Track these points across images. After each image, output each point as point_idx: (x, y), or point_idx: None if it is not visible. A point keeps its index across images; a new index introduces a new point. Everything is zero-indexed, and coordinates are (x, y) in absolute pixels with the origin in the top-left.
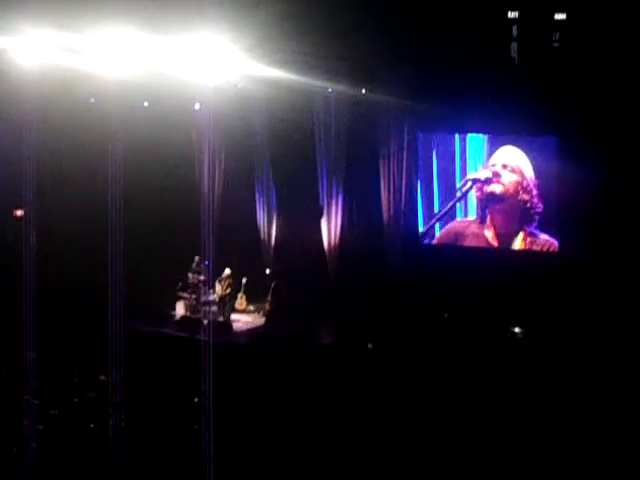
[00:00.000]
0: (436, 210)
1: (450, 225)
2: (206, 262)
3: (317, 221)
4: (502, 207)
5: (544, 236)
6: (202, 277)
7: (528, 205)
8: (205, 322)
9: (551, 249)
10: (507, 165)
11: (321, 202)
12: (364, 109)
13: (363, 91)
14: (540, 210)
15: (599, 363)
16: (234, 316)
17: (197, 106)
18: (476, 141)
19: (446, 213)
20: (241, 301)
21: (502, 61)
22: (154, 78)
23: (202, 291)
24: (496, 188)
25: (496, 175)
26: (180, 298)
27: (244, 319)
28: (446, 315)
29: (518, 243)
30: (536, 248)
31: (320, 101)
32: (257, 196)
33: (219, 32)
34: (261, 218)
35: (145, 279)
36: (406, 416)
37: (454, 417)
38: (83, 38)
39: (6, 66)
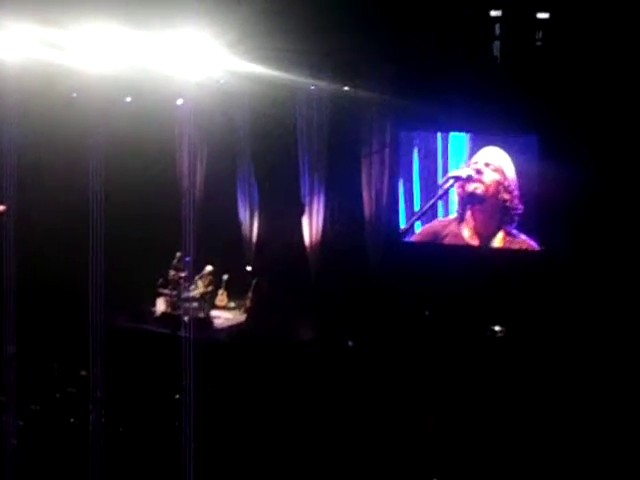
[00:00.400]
0: (417, 208)
1: (429, 225)
2: (187, 258)
3: (299, 218)
4: (482, 207)
5: (523, 236)
6: (183, 273)
7: (508, 205)
8: (186, 319)
9: (529, 249)
10: (490, 164)
11: (303, 199)
12: (346, 106)
13: (346, 88)
14: (520, 211)
15: (580, 361)
16: (215, 313)
17: (179, 102)
18: (458, 140)
19: (427, 211)
20: (222, 297)
21: (485, 60)
22: (136, 73)
23: (183, 287)
24: (477, 187)
25: (478, 172)
26: (161, 294)
27: (225, 316)
28: (427, 313)
29: (497, 241)
30: (515, 247)
31: (302, 98)
32: (239, 192)
33: (201, 28)
34: (243, 214)
35: (125, 275)
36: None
37: (436, 416)
38: (65, 33)
39: None
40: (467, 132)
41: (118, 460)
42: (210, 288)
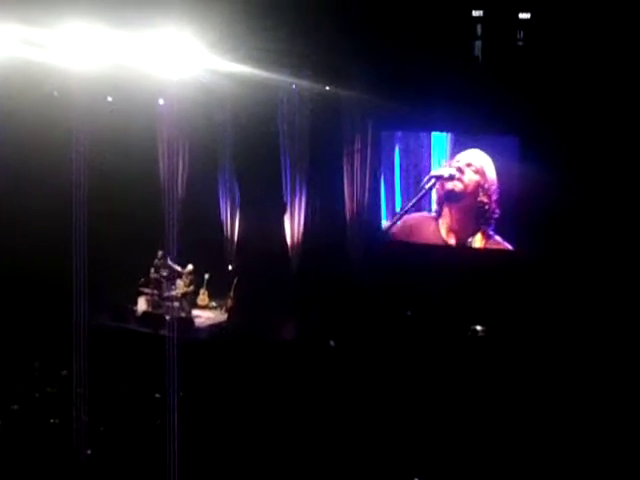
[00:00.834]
0: (398, 207)
1: (405, 218)
2: (169, 258)
3: (280, 217)
4: (459, 205)
5: (498, 237)
6: (164, 273)
7: (486, 208)
8: (167, 318)
9: (505, 250)
10: (471, 164)
11: (284, 198)
12: (328, 106)
13: (327, 88)
14: (497, 216)
15: (562, 362)
16: (196, 312)
17: (161, 101)
18: (440, 139)
19: (409, 210)
20: (203, 297)
21: (466, 60)
22: (118, 73)
23: (164, 287)
24: (456, 185)
25: (459, 171)
26: (142, 294)
27: (206, 315)
28: (409, 313)
29: (477, 242)
30: (492, 247)
31: (284, 97)
32: (220, 191)
33: (182, 27)
34: (224, 214)
35: (107, 274)
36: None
37: (417, 414)
38: (47, 32)
39: None
40: (448, 132)
41: (98, 459)
42: (191, 287)
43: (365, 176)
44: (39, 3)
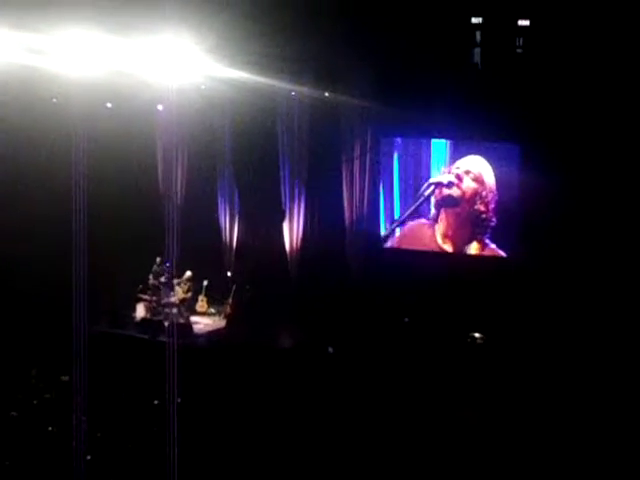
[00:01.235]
0: (397, 214)
1: (402, 227)
2: (167, 264)
3: (279, 224)
4: (455, 210)
5: (493, 245)
6: (163, 279)
7: (483, 216)
8: (166, 324)
9: (500, 257)
10: (470, 171)
11: (283, 205)
12: (327, 112)
13: (326, 94)
14: (493, 224)
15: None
16: (195, 318)
17: (160, 107)
18: (439, 146)
19: (408, 217)
20: (202, 303)
21: (465, 66)
22: (117, 79)
23: (163, 293)
24: (453, 191)
25: (458, 178)
26: (140, 300)
27: (205, 321)
28: (407, 319)
29: (473, 249)
30: (487, 254)
31: (283, 103)
32: (219, 198)
33: (181, 33)
34: (223, 220)
35: (105, 280)
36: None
37: (416, 421)
38: (46, 38)
39: None
40: (448, 139)
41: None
42: (190, 294)
43: (364, 183)
44: (38, 9)
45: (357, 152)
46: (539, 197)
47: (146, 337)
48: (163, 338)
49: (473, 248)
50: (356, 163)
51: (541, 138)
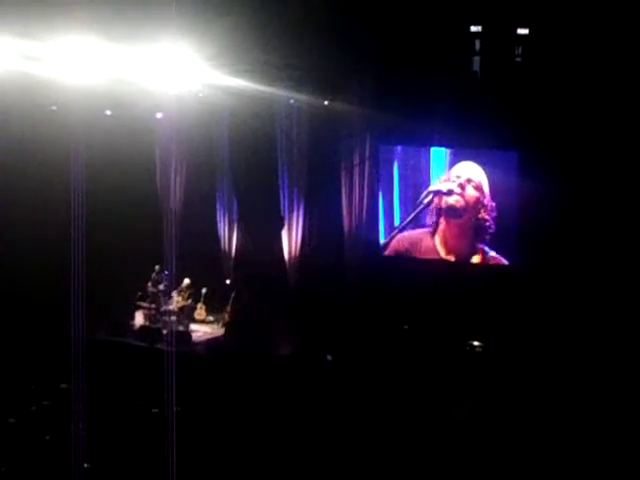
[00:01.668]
0: (396, 222)
1: (401, 236)
2: (166, 272)
3: (278, 232)
4: (458, 221)
5: (493, 253)
6: (162, 287)
7: (486, 224)
8: (164, 332)
9: (502, 265)
10: (472, 180)
11: (282, 212)
12: (326, 120)
13: (325, 102)
14: (492, 231)
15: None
16: (193, 326)
17: (159, 115)
18: (438, 154)
19: (408, 225)
20: (200, 311)
21: (465, 75)
22: (116, 87)
23: (162, 301)
24: (458, 201)
25: (460, 187)
26: (139, 308)
27: (203, 329)
28: (406, 327)
29: (475, 257)
30: (490, 263)
31: (282, 111)
32: (218, 206)
33: (180, 41)
34: (222, 228)
35: (104, 288)
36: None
37: (415, 428)
38: (45, 46)
39: None
40: (447, 147)
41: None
42: (189, 301)
43: (363, 191)
44: (37, 17)
45: (356, 160)
46: (538, 204)
47: (145, 345)
48: (162, 346)
49: (473, 256)
50: (355, 171)
51: (540, 145)
